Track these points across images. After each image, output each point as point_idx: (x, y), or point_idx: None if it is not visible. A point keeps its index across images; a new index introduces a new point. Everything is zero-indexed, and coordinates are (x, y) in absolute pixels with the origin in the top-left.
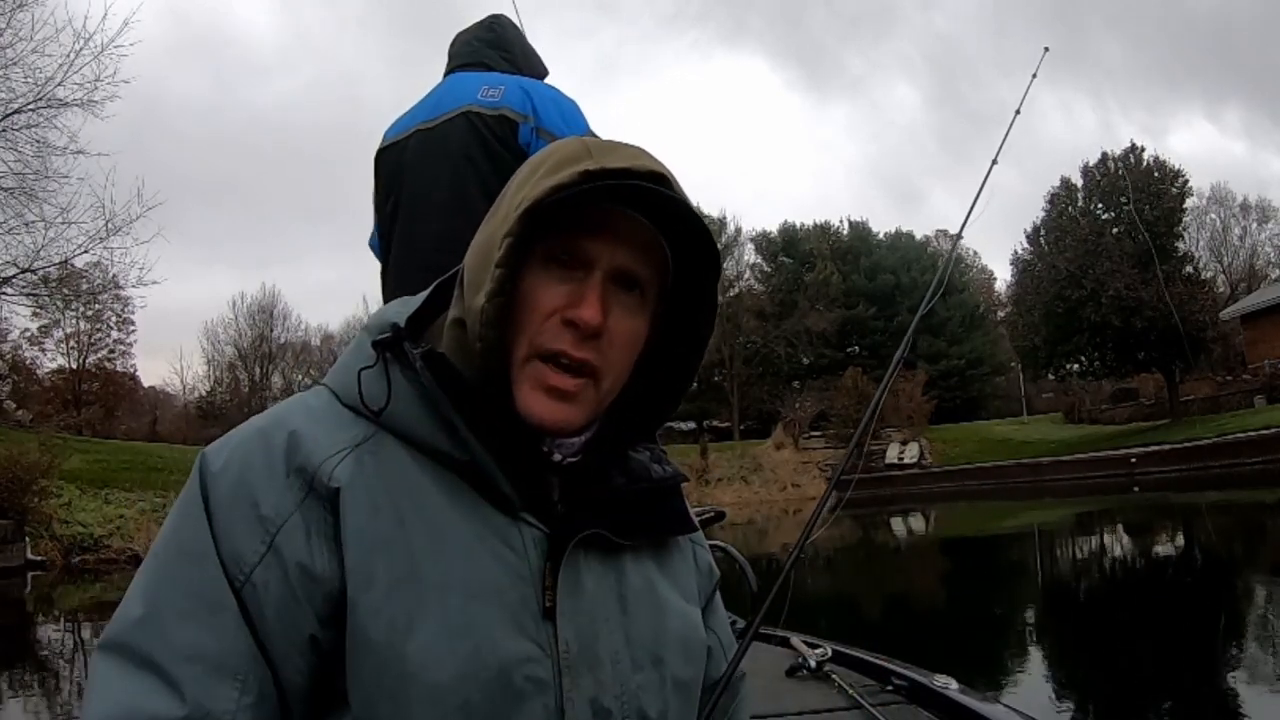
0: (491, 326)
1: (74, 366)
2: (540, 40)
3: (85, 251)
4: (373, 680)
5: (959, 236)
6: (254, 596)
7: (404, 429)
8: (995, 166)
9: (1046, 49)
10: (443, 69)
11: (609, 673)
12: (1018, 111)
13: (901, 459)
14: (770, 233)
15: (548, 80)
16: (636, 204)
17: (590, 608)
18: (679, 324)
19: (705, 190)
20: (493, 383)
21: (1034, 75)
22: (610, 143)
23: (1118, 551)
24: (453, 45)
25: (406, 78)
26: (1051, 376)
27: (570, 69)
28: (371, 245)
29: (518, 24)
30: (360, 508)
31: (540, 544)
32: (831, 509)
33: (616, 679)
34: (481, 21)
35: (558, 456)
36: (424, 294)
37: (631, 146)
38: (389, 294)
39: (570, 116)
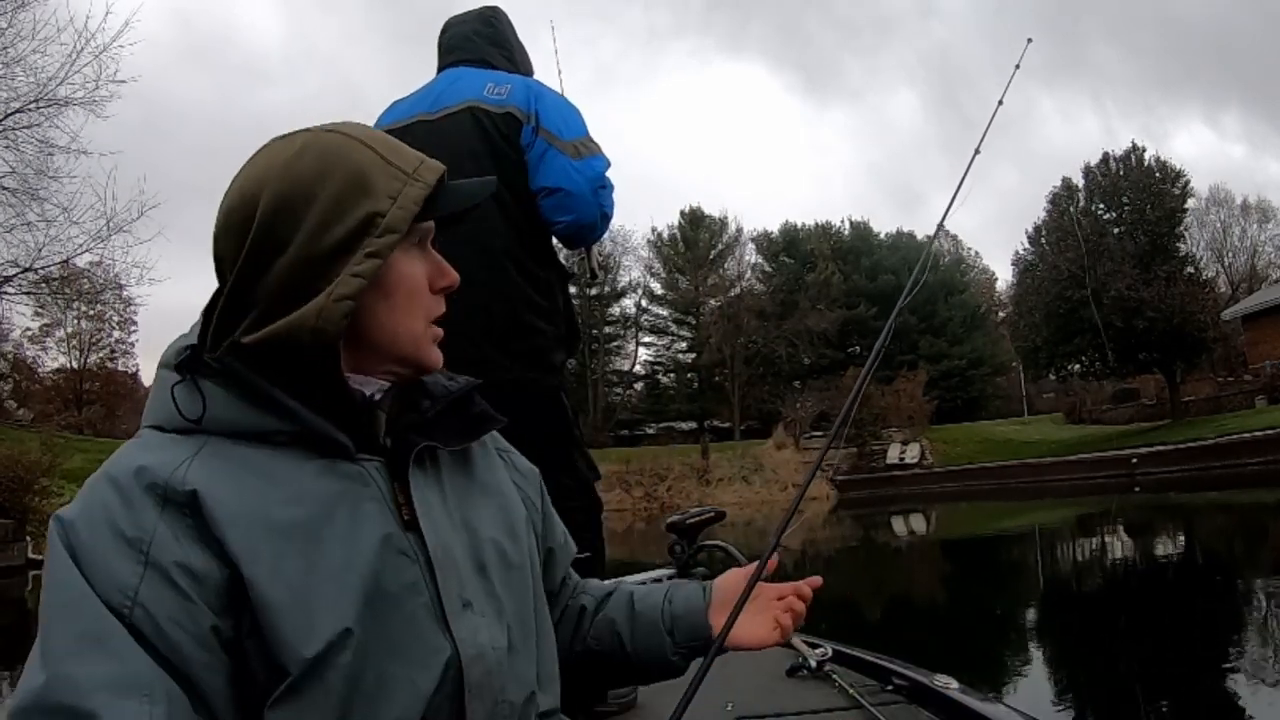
0: (345, 318)
1: (75, 366)
2: (539, 45)
3: (86, 251)
4: (292, 638)
5: (941, 225)
6: (145, 615)
7: (229, 426)
8: (979, 157)
9: (1030, 40)
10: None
11: (465, 571)
12: (1000, 101)
13: (903, 459)
14: (771, 233)
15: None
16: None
17: (439, 515)
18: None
19: (706, 190)
20: (320, 361)
21: (1017, 66)
22: (402, 146)
23: (1119, 552)
24: (445, 33)
25: (407, 83)
26: (1053, 377)
27: (570, 75)
28: None
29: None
30: (223, 496)
31: (382, 471)
32: (835, 507)
33: (469, 578)
34: (480, 14)
35: (369, 391)
36: (197, 322)
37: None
38: None
39: (570, 119)
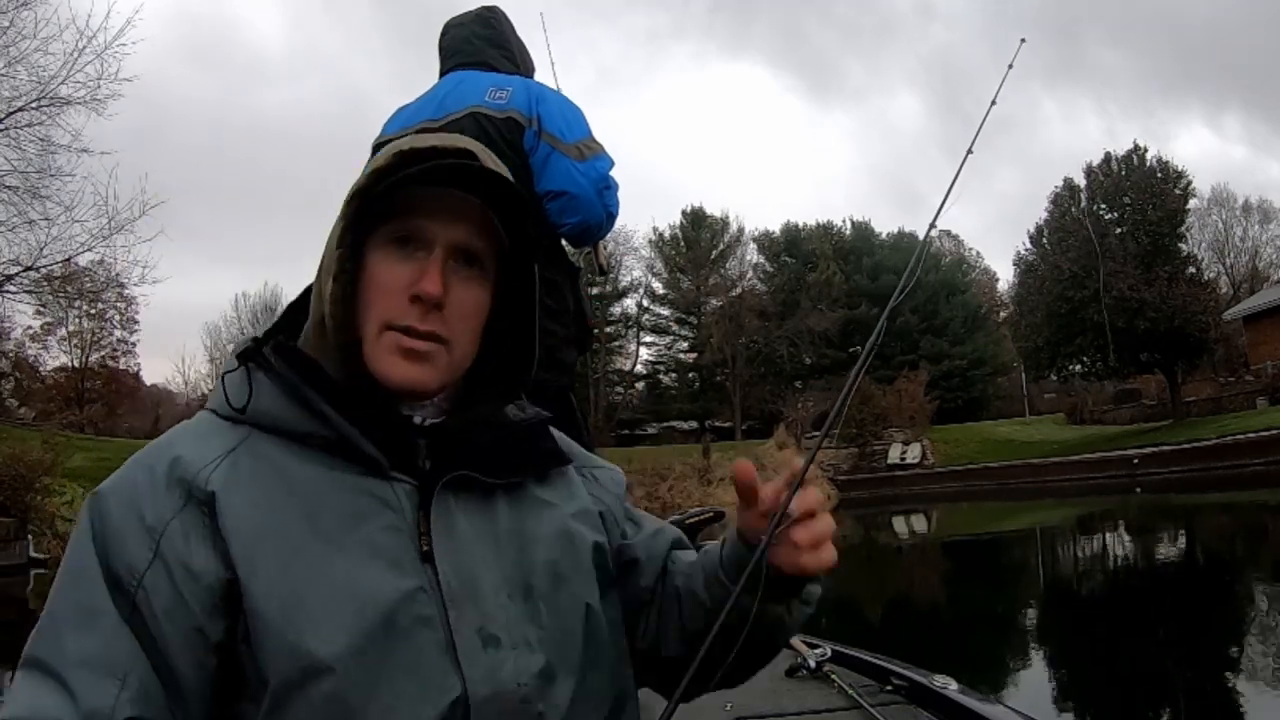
0: (338, 304)
1: (77, 364)
2: (541, 46)
3: (88, 249)
4: (277, 653)
5: (933, 224)
6: (146, 600)
7: (271, 422)
8: (976, 157)
9: (1023, 40)
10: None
11: (493, 604)
12: (993, 101)
13: (904, 459)
14: (773, 232)
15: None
16: (469, 186)
17: (467, 546)
18: (520, 292)
19: (707, 190)
20: (350, 359)
21: (1010, 66)
22: (432, 132)
23: (1119, 552)
24: (445, 35)
25: (409, 84)
26: (1054, 377)
27: (573, 76)
28: None
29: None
30: (237, 505)
31: (412, 496)
32: (836, 507)
33: (500, 610)
34: (478, 14)
35: (419, 419)
36: (281, 311)
37: (449, 134)
38: None
39: (573, 120)
